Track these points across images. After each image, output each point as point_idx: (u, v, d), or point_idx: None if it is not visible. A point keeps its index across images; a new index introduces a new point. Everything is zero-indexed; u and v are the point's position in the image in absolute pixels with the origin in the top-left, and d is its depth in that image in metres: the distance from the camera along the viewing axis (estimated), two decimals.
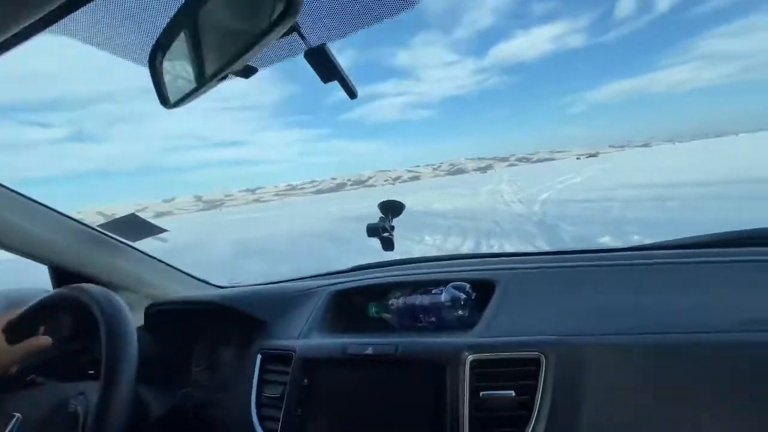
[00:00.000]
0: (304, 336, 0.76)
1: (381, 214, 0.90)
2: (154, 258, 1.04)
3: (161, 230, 1.31)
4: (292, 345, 0.74)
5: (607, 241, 4.90)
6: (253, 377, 0.75)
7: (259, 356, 0.77)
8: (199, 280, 1.12)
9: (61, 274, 0.90)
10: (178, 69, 0.44)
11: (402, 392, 0.61)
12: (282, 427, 0.67)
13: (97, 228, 0.95)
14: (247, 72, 0.46)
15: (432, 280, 0.78)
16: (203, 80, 0.41)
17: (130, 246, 1.01)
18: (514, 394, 0.54)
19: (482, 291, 0.72)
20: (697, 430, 0.48)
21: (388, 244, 0.90)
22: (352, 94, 0.50)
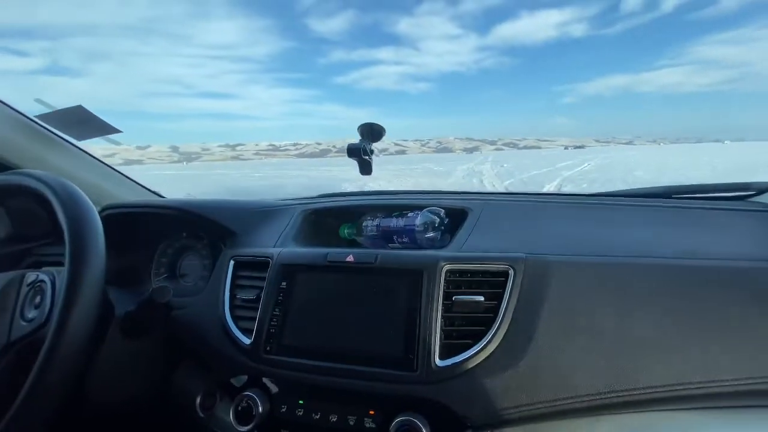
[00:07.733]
0: (279, 246, 0.78)
1: (360, 137, 0.83)
2: (100, 161, 0.98)
3: (114, 130, 1.02)
4: (268, 252, 0.75)
5: None
6: (223, 282, 0.76)
7: (231, 262, 0.77)
8: (150, 191, 1.09)
9: None
10: None
11: (379, 296, 0.65)
12: (258, 325, 0.68)
13: (35, 119, 0.87)
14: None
15: (405, 205, 0.83)
16: None
17: (74, 145, 0.94)
18: (483, 299, 0.60)
19: (454, 218, 0.78)
20: (637, 334, 0.56)
21: (366, 167, 0.85)
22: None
